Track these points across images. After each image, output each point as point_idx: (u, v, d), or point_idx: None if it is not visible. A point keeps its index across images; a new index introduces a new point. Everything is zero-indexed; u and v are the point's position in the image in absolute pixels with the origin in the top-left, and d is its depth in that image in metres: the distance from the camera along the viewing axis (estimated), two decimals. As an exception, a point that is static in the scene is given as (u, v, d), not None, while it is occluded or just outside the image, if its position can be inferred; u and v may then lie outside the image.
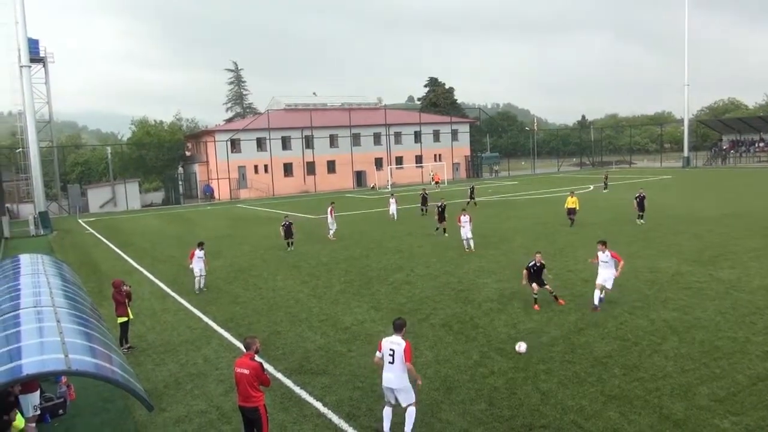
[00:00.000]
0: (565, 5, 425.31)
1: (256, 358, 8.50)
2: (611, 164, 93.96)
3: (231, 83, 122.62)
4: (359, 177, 73.26)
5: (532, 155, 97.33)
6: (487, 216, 35.52)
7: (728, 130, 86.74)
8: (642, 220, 28.61)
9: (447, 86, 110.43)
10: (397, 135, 76.38)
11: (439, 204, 28.56)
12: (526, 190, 53.95)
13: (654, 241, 23.67)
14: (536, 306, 15.05)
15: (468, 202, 39.52)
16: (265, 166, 68.25)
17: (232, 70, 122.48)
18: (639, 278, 17.63)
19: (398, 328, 8.93)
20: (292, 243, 26.39)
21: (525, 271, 15.38)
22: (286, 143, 69.72)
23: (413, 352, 9.41)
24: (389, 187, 65.48)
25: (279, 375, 11.58)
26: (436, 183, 64.89)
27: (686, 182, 55.11)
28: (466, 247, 23.61)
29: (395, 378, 8.68)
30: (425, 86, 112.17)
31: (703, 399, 9.57)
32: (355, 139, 73.02)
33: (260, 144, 68.39)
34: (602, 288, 14.94)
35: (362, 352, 12.67)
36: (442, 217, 27.85)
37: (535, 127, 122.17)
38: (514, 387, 10.45)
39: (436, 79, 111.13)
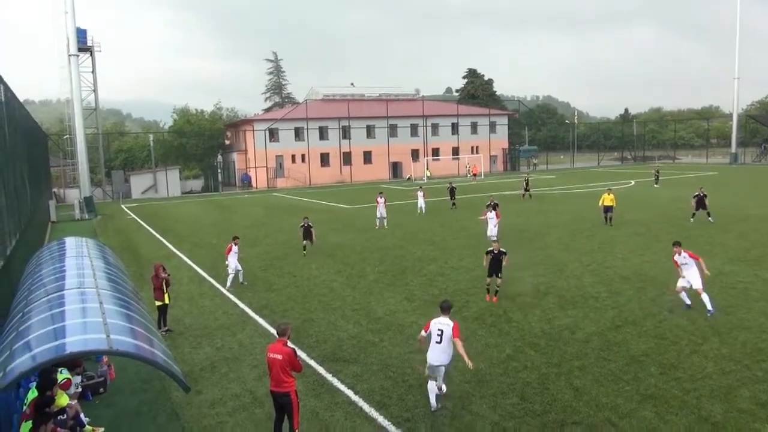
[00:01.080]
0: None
1: (289, 344, 8.62)
2: (654, 159, 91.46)
3: (270, 73, 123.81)
4: (395, 168, 73.23)
5: (571, 149, 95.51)
6: (524, 210, 35.08)
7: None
8: (708, 218, 27.23)
9: (486, 78, 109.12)
10: (434, 126, 76.02)
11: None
12: (564, 184, 53.03)
13: (698, 240, 22.98)
14: (491, 298, 15.42)
15: (523, 195, 40.48)
16: (302, 156, 68.85)
17: (272, 61, 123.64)
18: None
19: (446, 309, 9.64)
20: (309, 244, 23.22)
21: (486, 256, 15.66)
22: (323, 133, 70.15)
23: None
24: (425, 179, 65.27)
25: (312, 362, 11.73)
26: (474, 176, 64.40)
27: (733, 179, 53.27)
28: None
29: (443, 355, 9.32)
30: (463, 78, 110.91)
31: (744, 402, 9.29)
32: (392, 130, 72.97)
33: (298, 134, 69.00)
34: (685, 289, 14.07)
35: (394, 342, 12.72)
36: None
37: (575, 120, 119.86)
38: (546, 382, 10.34)
39: (474, 71, 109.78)
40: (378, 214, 29.74)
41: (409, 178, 68.18)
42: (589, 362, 11.15)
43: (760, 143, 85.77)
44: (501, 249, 15.58)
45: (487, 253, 15.67)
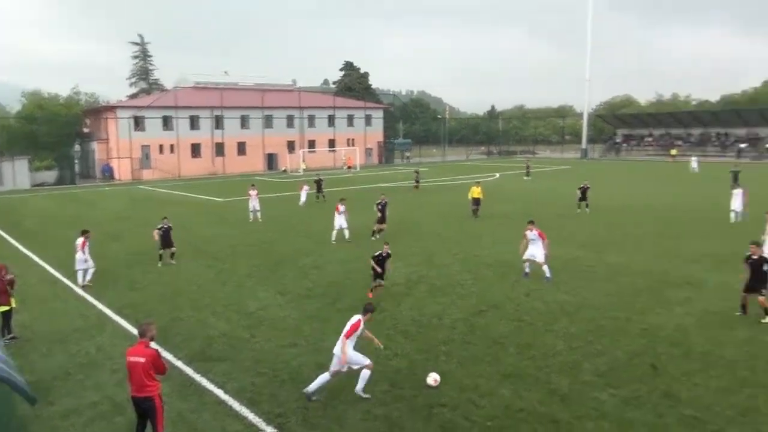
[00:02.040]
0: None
1: (152, 345, 8.20)
2: (516, 153, 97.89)
3: (136, 57, 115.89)
4: (271, 160, 71.86)
5: (442, 143, 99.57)
6: (398, 202, 36.00)
7: (622, 124, 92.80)
8: (586, 209, 29.38)
9: (362, 71, 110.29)
10: (311, 118, 75.52)
11: (380, 201, 24.34)
12: (436, 176, 55.14)
13: (554, 229, 24.87)
14: (370, 293, 15.07)
15: (415, 186, 42.35)
16: (171, 146, 65.27)
17: (137, 44, 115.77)
18: (537, 263, 18.54)
19: (365, 311, 10.06)
20: (172, 255, 19.79)
21: (372, 261, 15.40)
22: (194, 123, 66.98)
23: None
24: (300, 171, 64.77)
25: (178, 363, 11.24)
26: (349, 168, 65.00)
27: (583, 173, 58.43)
28: (333, 238, 22.85)
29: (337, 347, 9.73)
30: (340, 70, 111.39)
31: (587, 374, 10.29)
32: (268, 121, 71.44)
33: (166, 122, 65.28)
34: (529, 261, 16.67)
35: (266, 337, 12.55)
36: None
37: (447, 116, 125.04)
38: (415, 368, 10.75)
39: (351, 63, 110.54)
40: (251, 207, 29.07)
41: (284, 170, 67.30)
42: (455, 347, 11.75)
43: (605, 140, 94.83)
44: (389, 251, 15.60)
45: (373, 257, 15.40)
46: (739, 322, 12.67)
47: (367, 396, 9.61)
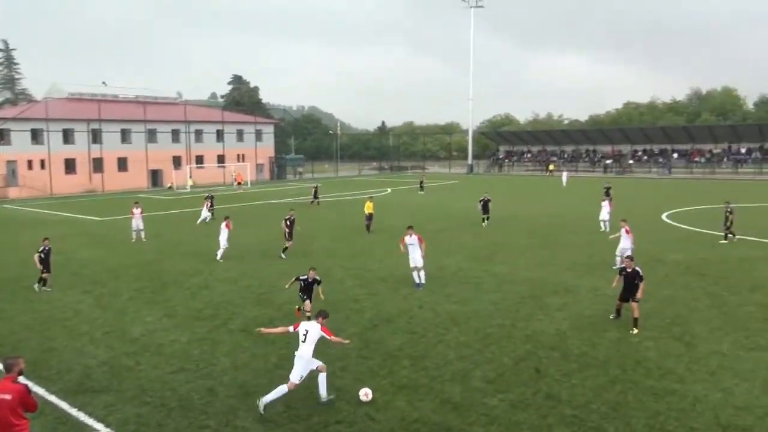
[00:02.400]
0: (373, 16, 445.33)
1: (21, 379, 7.46)
2: (407, 169, 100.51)
3: (0, 64, 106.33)
4: (155, 176, 68.44)
5: (335, 158, 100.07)
6: (300, 217, 35.61)
7: (504, 141, 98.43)
8: (486, 222, 30.17)
9: (252, 85, 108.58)
10: (198, 133, 72.90)
11: (288, 217, 23.70)
12: (330, 192, 55.22)
13: (442, 241, 25.85)
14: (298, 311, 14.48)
15: (312, 201, 41.88)
16: (42, 162, 60.21)
17: (1, 50, 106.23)
18: (427, 275, 19.09)
19: (318, 315, 10.31)
20: (44, 281, 17.99)
21: (296, 281, 14.48)
22: (68, 136, 62.24)
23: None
24: (188, 187, 62.26)
25: (52, 397, 10.32)
26: (239, 184, 63.42)
27: (470, 187, 61.15)
28: (219, 256, 22.24)
29: (304, 353, 9.93)
30: (229, 84, 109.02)
31: (477, 381, 10.72)
32: (151, 135, 67.95)
33: (36, 136, 60.12)
34: (416, 269, 17.38)
35: (152, 363, 11.86)
36: (287, 236, 23.11)
37: (339, 131, 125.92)
38: (311, 386, 10.61)
39: (240, 77, 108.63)
40: (134, 226, 27.48)
41: (170, 187, 64.32)
42: (351, 362, 11.77)
43: (489, 156, 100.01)
44: (316, 277, 14.48)
45: (299, 280, 14.46)
46: (611, 325, 13.79)
47: (332, 397, 10.01)
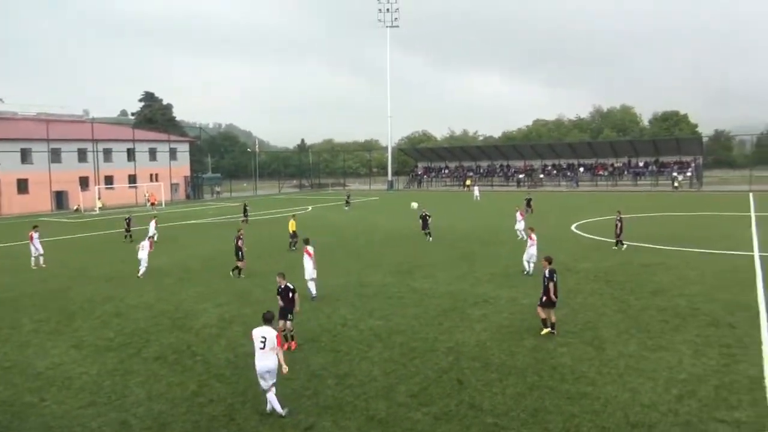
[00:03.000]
0: (292, 35, 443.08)
1: None
2: (328, 186, 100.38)
3: None
4: (60, 198, 64.40)
5: (254, 176, 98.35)
6: (207, 239, 34.61)
7: (422, 157, 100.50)
8: (430, 237, 30.50)
9: (164, 102, 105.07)
10: (107, 152, 69.32)
11: (237, 236, 23.04)
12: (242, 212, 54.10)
13: (364, 257, 25.96)
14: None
15: (243, 220, 41.28)
16: (-72, 185, 55.26)
17: None
18: (350, 292, 19.11)
19: (268, 320, 10.32)
20: None
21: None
22: (-41, 157, 57.58)
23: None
24: (96, 209, 59.11)
25: (-59, 443, 9.40)
26: (152, 204, 60.92)
27: (390, 203, 61.91)
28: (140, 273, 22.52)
29: (268, 360, 9.98)
30: (140, 101, 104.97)
31: (402, 396, 10.77)
32: (55, 155, 63.89)
33: None
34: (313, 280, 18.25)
35: (58, 399, 11.07)
36: (238, 256, 22.48)
37: (257, 149, 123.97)
38: (233, 413, 10.29)
39: (152, 94, 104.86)
40: (33, 252, 25.69)
41: (77, 209, 60.74)
42: (274, 384, 11.49)
43: (409, 172, 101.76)
44: (288, 285, 13.85)
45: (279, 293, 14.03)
46: (528, 333, 14.29)
47: (287, 409, 10.07)
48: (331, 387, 11.32)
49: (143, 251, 22.74)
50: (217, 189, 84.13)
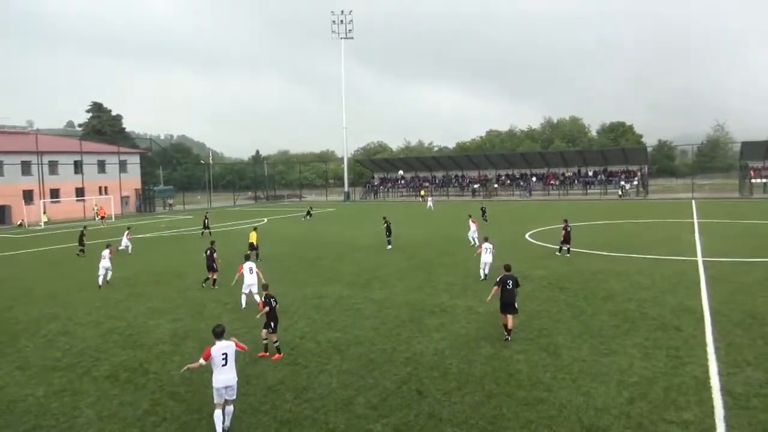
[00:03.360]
0: (243, 46, 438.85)
1: None
2: (284, 198, 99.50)
3: None
4: (2, 212, 61.72)
5: (208, 189, 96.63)
6: (161, 253, 33.76)
7: (378, 168, 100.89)
8: (389, 246, 31.64)
9: (113, 113, 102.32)
10: (53, 164, 66.88)
11: (209, 248, 22.97)
12: (201, 224, 53.07)
13: (321, 269, 25.79)
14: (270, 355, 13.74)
15: (202, 233, 40.97)
16: None
17: None
18: (308, 304, 18.94)
19: (219, 334, 9.98)
20: None
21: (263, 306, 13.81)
22: None
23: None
24: (42, 224, 56.90)
25: None
26: (102, 218, 59.06)
27: (347, 214, 61.80)
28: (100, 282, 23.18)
29: (231, 374, 9.89)
30: (88, 111, 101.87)
31: (361, 408, 10.72)
32: (-4, 168, 61.29)
33: None
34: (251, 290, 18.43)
35: (2, 423, 10.55)
36: (212, 268, 22.25)
37: (211, 161, 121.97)
38: (187, 431, 10.02)
39: (100, 105, 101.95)
40: None
41: (20, 224, 58.32)
42: (230, 401, 11.25)
43: (365, 183, 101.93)
44: (270, 294, 13.75)
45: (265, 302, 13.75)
46: (485, 341, 14.46)
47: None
48: (289, 401, 11.17)
49: (105, 260, 23.32)
50: (170, 201, 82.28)
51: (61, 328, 17.15)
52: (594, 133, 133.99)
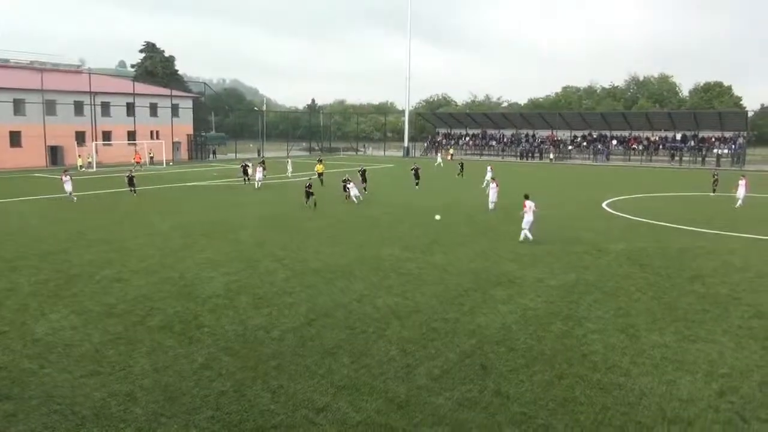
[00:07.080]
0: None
1: None
2: (339, 151, 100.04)
3: None
4: (54, 153, 64.82)
5: (261, 137, 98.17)
6: (214, 203, 34.73)
7: (441, 123, 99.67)
8: (417, 187, 37.25)
9: (166, 54, 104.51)
10: (105, 106, 69.38)
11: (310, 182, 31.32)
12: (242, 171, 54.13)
13: (379, 230, 25.93)
14: None
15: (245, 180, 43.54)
16: None
17: None
18: (366, 265, 19.13)
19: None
20: None
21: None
22: (-52, 106, 57.95)
23: None
24: (94, 167, 59.43)
25: (-60, 408, 9.60)
26: (138, 163, 60.87)
27: (406, 171, 61.53)
28: None
29: None
30: (141, 51, 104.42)
31: (422, 379, 10.82)
32: (50, 107, 64.12)
33: None
34: None
35: (60, 366, 11.25)
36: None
37: (264, 108, 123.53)
38: (243, 388, 10.40)
39: (153, 45, 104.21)
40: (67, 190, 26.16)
41: (81, 167, 61.09)
42: (285, 361, 11.59)
43: (426, 138, 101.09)
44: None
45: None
46: (556, 318, 14.26)
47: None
48: (347, 366, 11.39)
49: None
50: (214, 149, 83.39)
51: (116, 274, 18.00)
52: (686, 92, 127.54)
